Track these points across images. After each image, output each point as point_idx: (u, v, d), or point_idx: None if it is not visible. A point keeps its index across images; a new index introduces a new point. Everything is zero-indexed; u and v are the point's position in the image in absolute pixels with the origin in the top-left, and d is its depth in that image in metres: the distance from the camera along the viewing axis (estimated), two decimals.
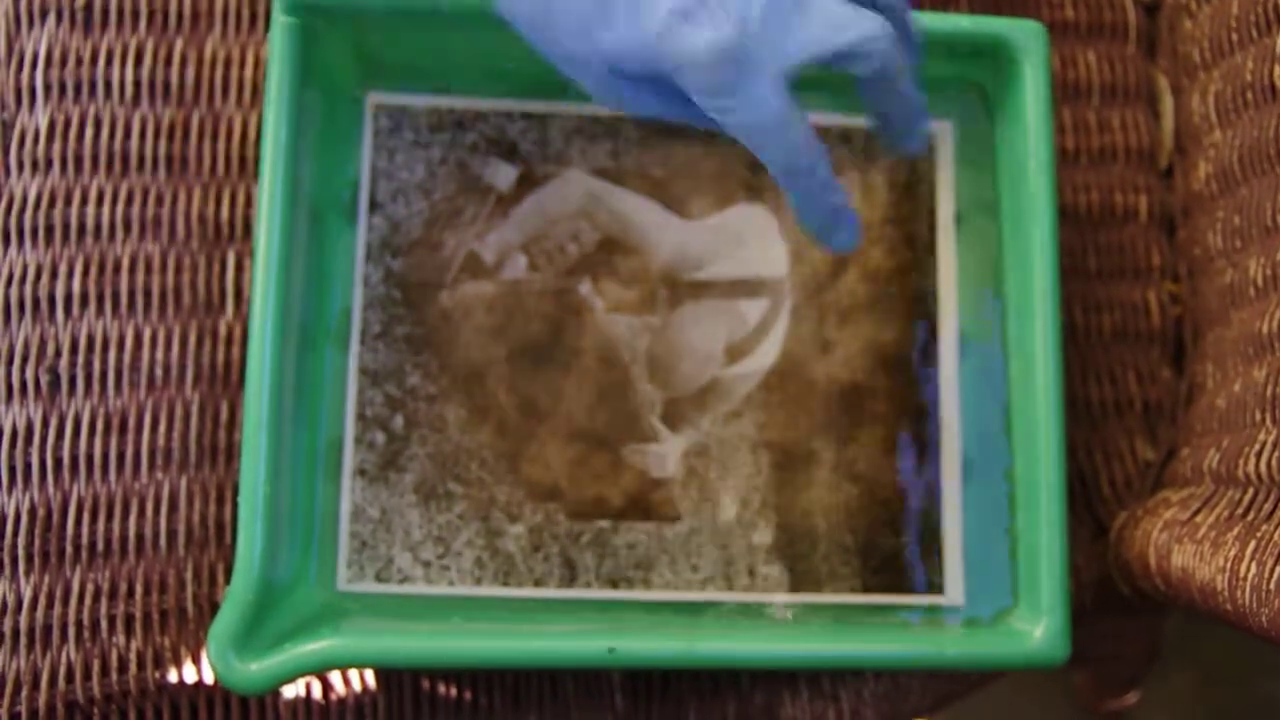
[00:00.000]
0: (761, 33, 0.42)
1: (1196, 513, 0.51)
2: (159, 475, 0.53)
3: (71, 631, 0.52)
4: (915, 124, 0.47)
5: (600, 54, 0.42)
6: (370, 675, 0.54)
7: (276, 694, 0.53)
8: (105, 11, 0.56)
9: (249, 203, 0.55)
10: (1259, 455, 0.49)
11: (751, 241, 0.55)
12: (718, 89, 0.42)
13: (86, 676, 0.52)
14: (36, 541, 0.52)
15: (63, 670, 0.51)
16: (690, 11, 0.41)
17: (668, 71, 0.42)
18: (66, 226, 0.54)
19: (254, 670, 0.47)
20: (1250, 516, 0.48)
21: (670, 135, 0.55)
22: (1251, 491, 0.49)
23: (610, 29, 0.42)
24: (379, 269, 0.53)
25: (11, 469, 0.52)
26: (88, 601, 0.52)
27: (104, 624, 0.52)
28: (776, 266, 0.55)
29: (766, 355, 0.54)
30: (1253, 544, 0.46)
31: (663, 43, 0.41)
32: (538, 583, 0.52)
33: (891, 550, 0.54)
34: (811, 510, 0.54)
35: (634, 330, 0.54)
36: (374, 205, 0.54)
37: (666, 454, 0.53)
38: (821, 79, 0.55)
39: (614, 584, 0.53)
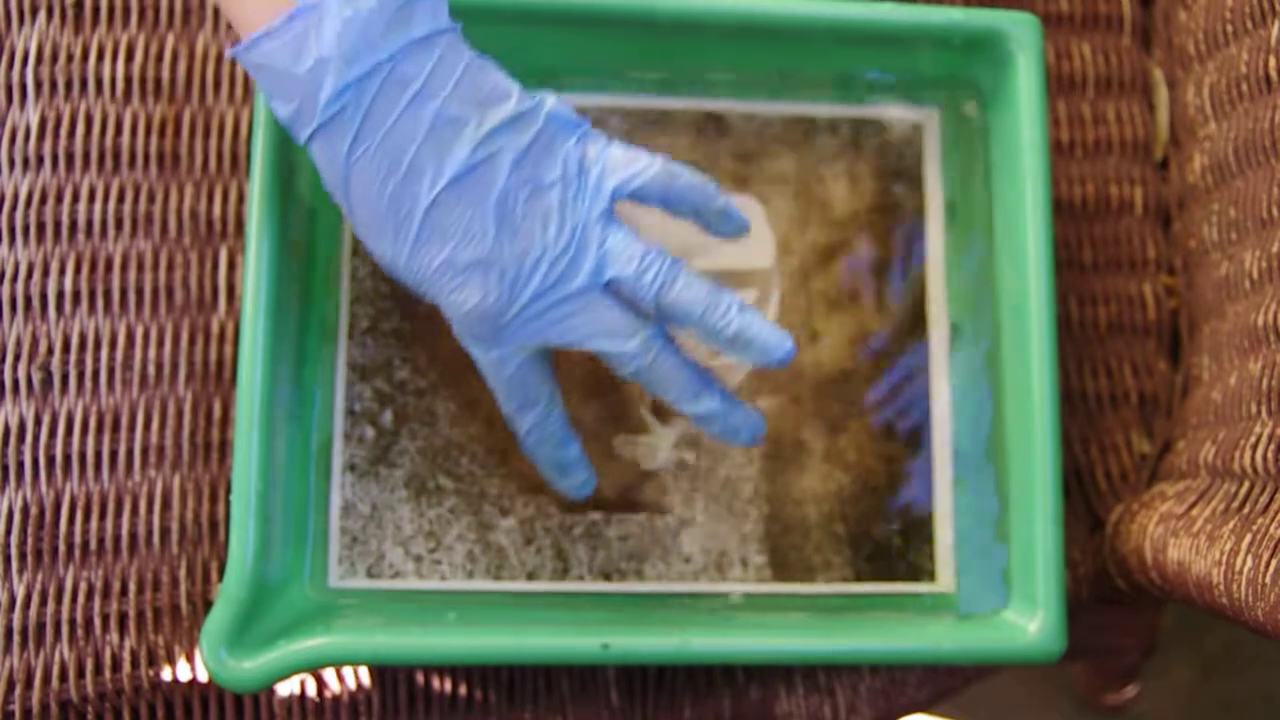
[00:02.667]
0: (529, 312, 0.45)
1: (1192, 506, 0.51)
2: (151, 473, 0.53)
3: (65, 630, 0.52)
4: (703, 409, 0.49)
5: (384, 260, 0.45)
6: (365, 672, 0.54)
7: (271, 691, 0.53)
8: (96, 8, 0.56)
9: (241, 199, 0.55)
10: (1254, 448, 0.49)
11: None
12: (474, 338, 0.47)
13: (80, 675, 0.51)
14: (29, 540, 0.52)
15: (56, 669, 0.51)
16: (467, 270, 0.44)
17: (434, 300, 0.46)
18: (58, 224, 0.54)
19: (247, 668, 0.47)
20: (1246, 510, 0.48)
21: (656, 127, 0.55)
22: (1247, 484, 0.49)
23: (393, 244, 0.45)
24: (366, 263, 0.53)
25: (4, 467, 0.52)
26: (81, 600, 0.52)
27: (97, 622, 0.52)
28: (764, 257, 0.55)
29: None
30: (1248, 537, 0.46)
31: (434, 282, 0.45)
32: (530, 576, 0.52)
33: (883, 539, 0.54)
34: (803, 500, 0.54)
35: None
36: None
37: (657, 445, 0.53)
38: (807, 77, 0.55)
39: (606, 576, 0.52)
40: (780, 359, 0.47)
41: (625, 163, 0.47)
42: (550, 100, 0.46)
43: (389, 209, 0.44)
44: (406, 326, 0.53)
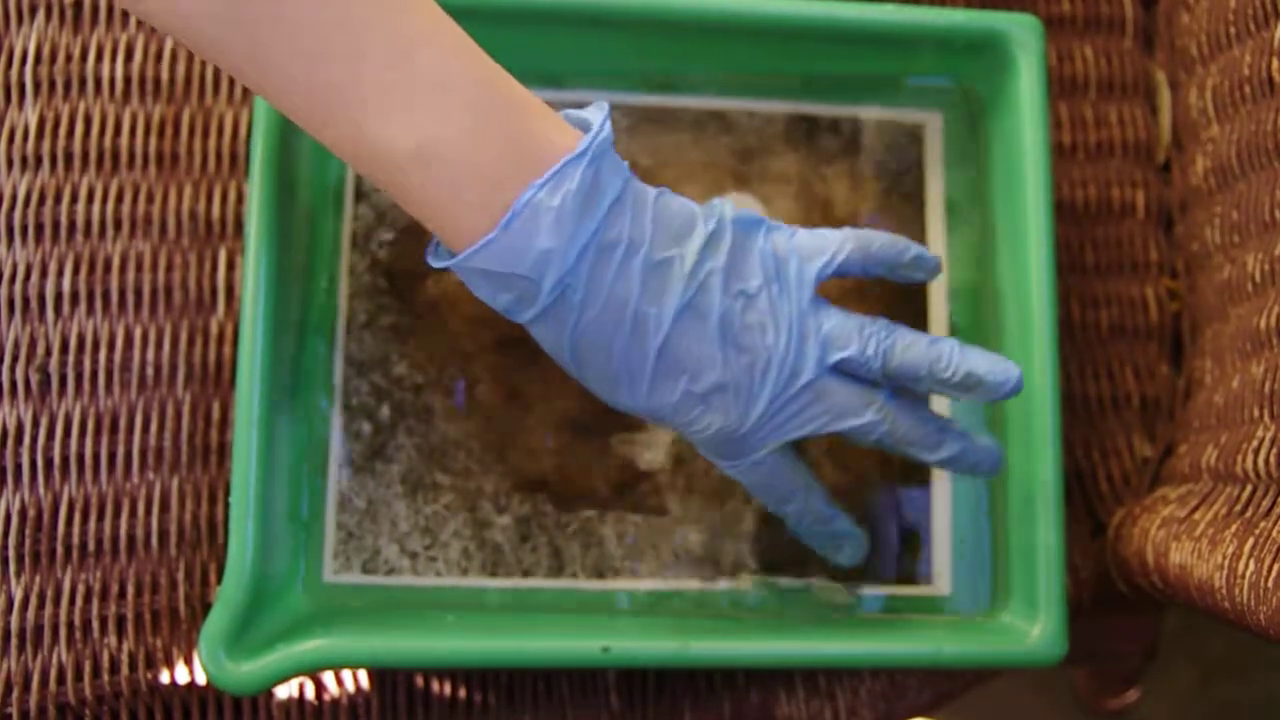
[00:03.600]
0: (767, 416, 0.46)
1: (1194, 510, 0.51)
2: (150, 475, 0.53)
3: (62, 632, 0.51)
4: (962, 457, 0.49)
5: (622, 406, 0.46)
6: (363, 674, 0.54)
7: (269, 694, 0.53)
8: (95, 8, 0.56)
9: (240, 200, 0.55)
10: (1256, 452, 0.49)
11: None
12: (720, 455, 0.47)
13: (78, 678, 0.51)
14: (27, 542, 0.52)
15: (54, 671, 0.51)
16: (706, 396, 0.45)
17: (672, 427, 0.47)
18: (57, 224, 0.54)
19: (246, 671, 0.47)
20: (1248, 513, 0.48)
21: (658, 124, 0.55)
22: (1249, 488, 0.49)
23: (629, 393, 0.45)
24: (364, 258, 0.53)
25: (2, 469, 0.52)
26: (79, 602, 0.52)
27: (95, 625, 0.52)
28: None
29: None
30: (1251, 541, 0.46)
31: (677, 414, 0.45)
32: (525, 573, 0.52)
33: (880, 541, 0.54)
34: None
35: None
36: (359, 194, 0.53)
37: (654, 444, 0.53)
38: (809, 77, 0.55)
39: (601, 574, 0.52)
40: (1009, 391, 0.47)
41: (818, 248, 0.47)
42: (727, 208, 0.46)
43: (620, 365, 0.44)
44: (404, 322, 0.53)
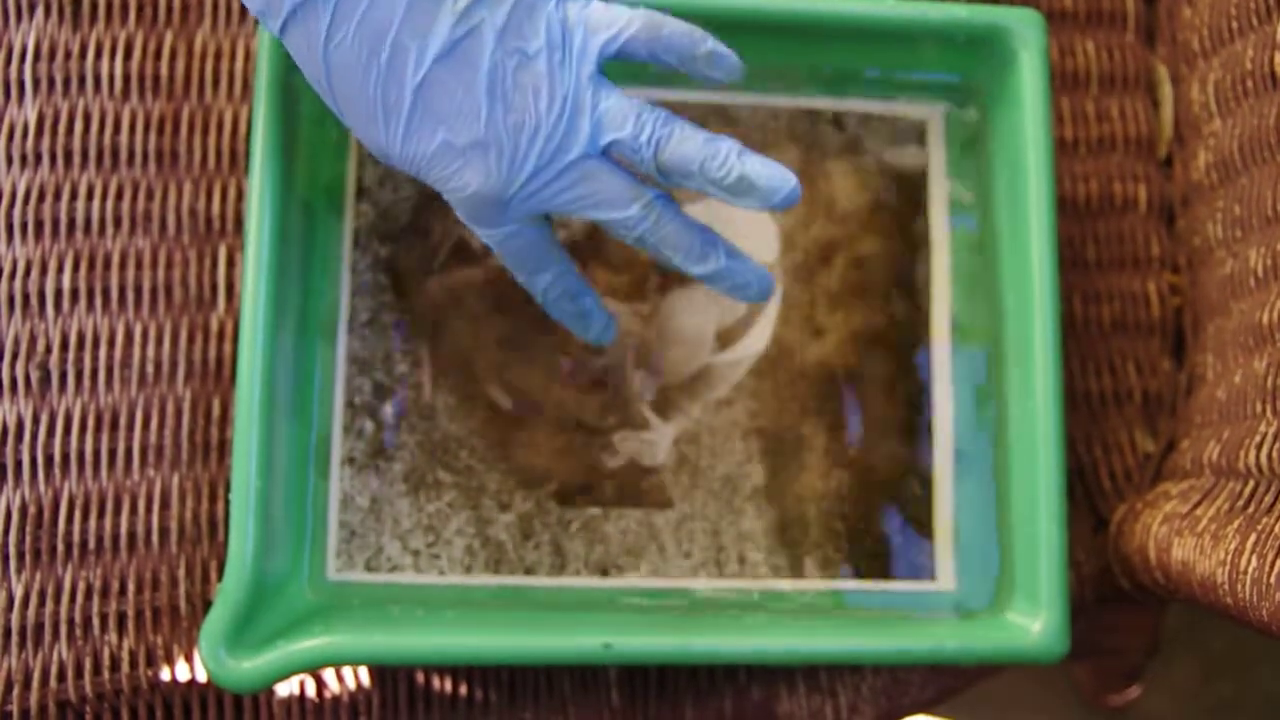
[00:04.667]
0: (531, 188, 0.44)
1: (1197, 505, 0.51)
2: (150, 472, 0.53)
3: (63, 629, 0.51)
4: (724, 274, 0.48)
5: (378, 149, 0.44)
6: (364, 672, 0.54)
7: (270, 692, 0.53)
8: (94, 5, 0.56)
9: (240, 197, 0.55)
10: (1259, 447, 0.49)
11: (742, 227, 0.54)
12: (477, 221, 0.46)
13: (78, 675, 0.51)
14: (27, 539, 0.52)
15: (54, 669, 0.51)
16: (466, 151, 0.43)
17: (430, 183, 0.44)
18: (56, 221, 0.54)
19: (246, 668, 0.47)
20: (1251, 509, 0.48)
21: None
22: (1252, 484, 0.49)
23: (384, 131, 0.43)
24: (367, 256, 0.53)
25: (1, 466, 0.52)
26: (79, 599, 0.52)
27: (96, 622, 0.52)
28: (767, 251, 0.55)
29: (757, 341, 0.54)
30: (1253, 537, 0.46)
31: (433, 167, 0.44)
32: (528, 571, 0.52)
33: (883, 537, 0.54)
34: (803, 497, 0.53)
35: (624, 317, 0.53)
36: (361, 191, 0.53)
37: (657, 441, 0.53)
38: (812, 72, 0.55)
39: (604, 571, 0.52)
40: (783, 200, 0.45)
41: (608, 21, 0.45)
42: None
43: (376, 95, 0.43)
44: (407, 319, 0.53)
